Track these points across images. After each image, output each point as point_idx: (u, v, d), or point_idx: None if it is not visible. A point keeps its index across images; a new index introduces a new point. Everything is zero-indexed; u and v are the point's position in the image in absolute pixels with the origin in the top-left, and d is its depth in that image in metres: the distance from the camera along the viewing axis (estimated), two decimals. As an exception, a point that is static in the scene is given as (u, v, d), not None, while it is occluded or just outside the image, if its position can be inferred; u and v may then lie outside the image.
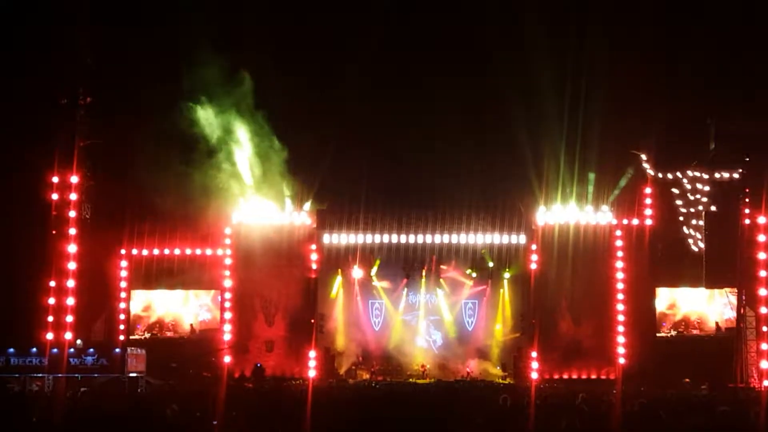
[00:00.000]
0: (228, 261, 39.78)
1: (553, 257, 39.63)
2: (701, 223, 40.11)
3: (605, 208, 39.80)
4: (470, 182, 40.16)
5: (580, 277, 39.43)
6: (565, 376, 38.92)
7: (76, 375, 35.03)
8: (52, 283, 37.90)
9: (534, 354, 38.65)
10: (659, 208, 40.29)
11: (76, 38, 37.51)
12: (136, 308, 41.65)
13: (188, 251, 40.92)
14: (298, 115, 38.67)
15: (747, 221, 38.08)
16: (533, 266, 39.88)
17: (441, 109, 40.62)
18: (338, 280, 41.96)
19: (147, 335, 41.53)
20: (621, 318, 38.89)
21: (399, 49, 40.47)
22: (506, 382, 39.27)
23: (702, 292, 41.23)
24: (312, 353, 38.82)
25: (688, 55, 39.86)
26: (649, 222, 40.01)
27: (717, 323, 41.26)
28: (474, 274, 41.89)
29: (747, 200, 38.30)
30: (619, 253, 39.47)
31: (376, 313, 42.57)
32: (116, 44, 38.11)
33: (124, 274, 41.08)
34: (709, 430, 17.27)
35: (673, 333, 41.36)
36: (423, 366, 41.20)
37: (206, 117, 38.97)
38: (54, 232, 38.21)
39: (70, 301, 37.98)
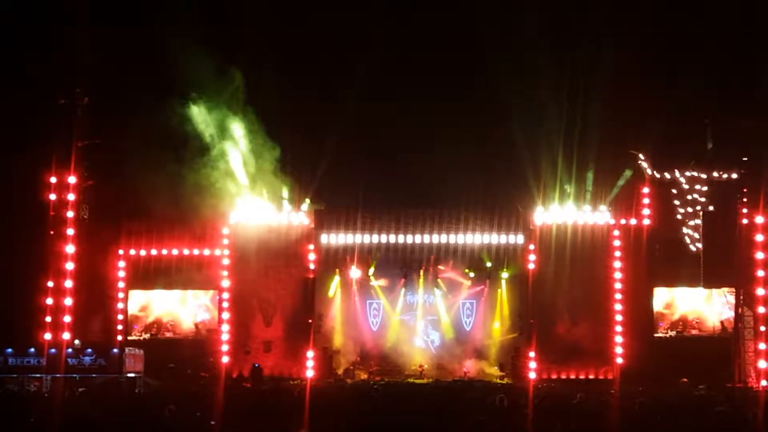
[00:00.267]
0: (226, 261, 39.75)
1: (550, 257, 39.63)
2: (699, 222, 40.11)
3: (603, 208, 39.81)
4: (468, 182, 40.16)
5: (578, 277, 39.42)
6: (563, 376, 38.92)
7: (74, 375, 35.04)
8: (50, 284, 37.89)
9: (532, 354, 38.65)
10: (657, 208, 40.30)
11: (75, 38, 37.47)
12: (133, 308, 41.61)
13: (186, 251, 40.89)
14: (296, 116, 38.64)
15: (745, 221, 38.10)
16: (531, 266, 39.87)
17: (439, 109, 40.63)
18: (336, 280, 41.97)
19: (147, 336, 41.45)
20: (619, 318, 38.89)
21: (397, 48, 40.46)
22: (504, 382, 39.28)
23: (700, 291, 41.22)
24: (310, 353, 38.80)
25: (686, 55, 39.89)
26: (646, 222, 40.02)
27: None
28: (472, 274, 41.91)
29: (745, 200, 38.33)
30: (617, 253, 39.47)
31: (374, 313, 42.57)
32: (114, 44, 38.08)
33: (121, 274, 41.04)
34: (707, 430, 17.29)
35: (672, 334, 41.35)
36: (421, 366, 41.21)
37: (202, 117, 38.94)
38: (52, 232, 38.19)
39: (68, 301, 37.97)
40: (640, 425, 18.27)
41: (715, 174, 40.36)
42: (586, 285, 39.38)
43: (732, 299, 39.93)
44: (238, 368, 38.80)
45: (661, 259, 40.52)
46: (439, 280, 42.24)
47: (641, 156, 40.40)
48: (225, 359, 38.86)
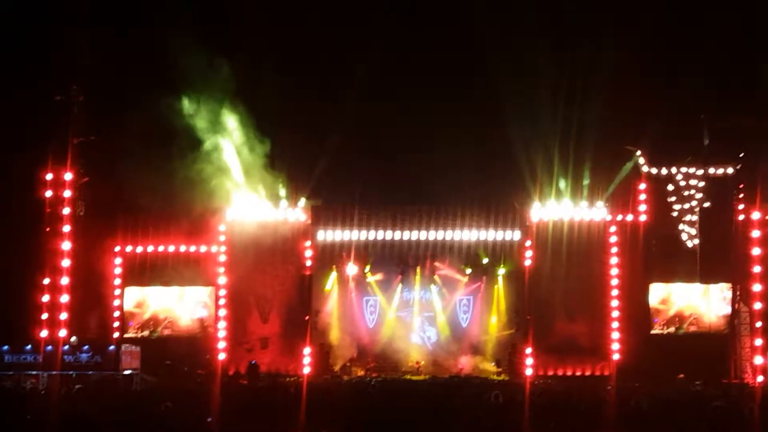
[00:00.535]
0: (222, 258, 39.74)
1: (547, 253, 39.64)
2: (695, 219, 40.15)
3: (600, 204, 39.82)
4: (465, 178, 40.16)
5: (575, 274, 39.44)
6: (560, 373, 38.96)
7: (71, 372, 35.03)
8: (46, 280, 37.85)
9: (528, 350, 38.69)
10: (653, 204, 40.30)
11: (70, 36, 37.42)
12: (128, 305, 41.56)
13: (182, 248, 40.87)
14: (293, 113, 38.62)
15: (741, 217, 38.13)
16: (528, 262, 39.88)
17: (436, 106, 40.60)
18: (333, 276, 41.98)
19: (147, 333, 41.40)
20: (615, 314, 38.92)
21: (394, 46, 40.42)
22: (501, 379, 39.32)
23: (696, 287, 41.25)
24: (307, 350, 38.80)
25: (683, 51, 39.89)
26: (643, 218, 40.03)
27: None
28: (468, 271, 41.93)
29: (741, 196, 38.37)
30: (614, 249, 39.50)
31: (370, 309, 42.58)
32: (110, 42, 38.03)
33: (118, 271, 41.01)
34: (704, 426, 17.30)
35: (672, 330, 41.35)
36: (418, 362, 41.23)
37: (198, 114, 38.91)
38: (48, 229, 38.16)
39: (65, 298, 37.92)
40: (636, 421, 18.28)
41: (712, 170, 40.33)
42: (582, 281, 39.40)
43: (729, 295, 39.96)
44: (235, 365, 38.78)
45: (657, 255, 40.53)
46: (435, 276, 42.26)
47: (638, 152, 40.40)
48: (222, 356, 38.84)
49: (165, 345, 40.43)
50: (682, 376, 36.52)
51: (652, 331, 40.85)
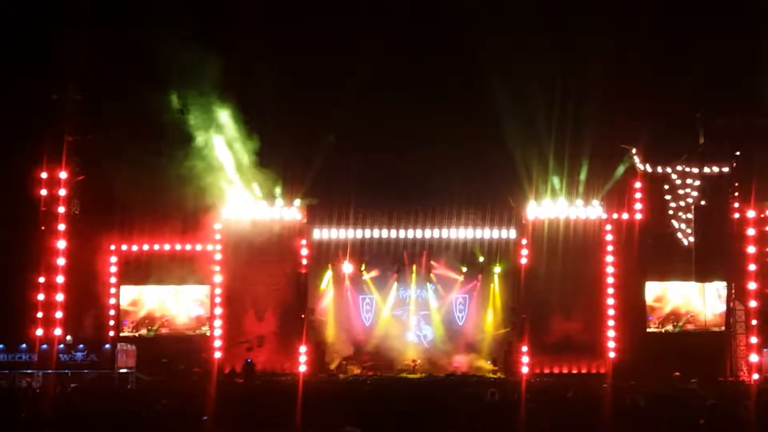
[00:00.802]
0: (218, 256, 39.70)
1: (543, 252, 39.64)
2: (691, 217, 40.17)
3: (596, 202, 39.83)
4: (461, 177, 40.16)
5: (570, 272, 39.45)
6: (556, 371, 38.98)
7: (66, 371, 34.97)
8: (41, 279, 37.83)
9: (524, 348, 38.70)
10: (649, 203, 40.34)
11: (67, 35, 37.37)
12: (124, 304, 41.52)
13: (178, 247, 40.84)
14: (289, 112, 38.61)
15: (736, 215, 38.16)
16: (523, 261, 39.90)
17: (432, 104, 40.59)
18: (328, 275, 41.96)
19: (142, 332, 41.35)
20: (611, 312, 38.95)
21: (391, 46, 40.39)
22: (497, 377, 39.33)
23: (691, 285, 41.30)
24: (302, 348, 38.78)
25: (678, 50, 39.93)
26: (639, 216, 40.06)
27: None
28: (464, 269, 41.94)
29: (736, 194, 38.39)
30: (609, 248, 39.52)
31: (366, 308, 42.56)
32: (106, 41, 37.99)
33: (113, 269, 40.98)
34: (699, 424, 17.31)
35: (669, 328, 41.38)
36: (414, 361, 41.19)
37: (193, 113, 38.88)
38: (43, 227, 38.13)
39: (60, 297, 37.91)
40: (631, 419, 18.28)
41: (707, 169, 40.38)
42: (578, 279, 39.41)
43: (724, 293, 39.99)
44: (231, 364, 38.75)
45: (653, 253, 40.56)
46: (431, 275, 42.25)
47: (633, 150, 40.42)
48: (217, 355, 38.81)
49: (161, 344, 40.40)
50: (677, 374, 36.53)
51: (648, 329, 40.89)
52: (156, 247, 40.84)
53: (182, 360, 39.28)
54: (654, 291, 41.53)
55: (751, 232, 37.56)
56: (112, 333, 40.22)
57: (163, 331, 41.59)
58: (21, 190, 38.26)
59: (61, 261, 38.09)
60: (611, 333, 38.78)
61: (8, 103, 37.42)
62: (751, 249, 37.45)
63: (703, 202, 40.09)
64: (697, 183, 40.46)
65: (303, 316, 39.82)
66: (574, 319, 39.30)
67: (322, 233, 40.59)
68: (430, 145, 39.67)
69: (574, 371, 38.93)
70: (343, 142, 39.71)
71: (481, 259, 41.44)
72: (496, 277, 42.00)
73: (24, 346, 35.59)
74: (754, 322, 37.30)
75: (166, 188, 37.30)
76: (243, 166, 39.62)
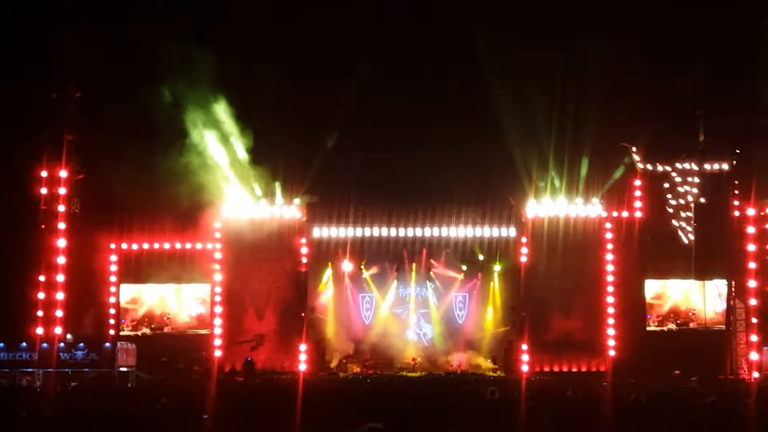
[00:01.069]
0: (218, 255, 39.71)
1: (543, 250, 39.66)
2: (691, 215, 40.18)
3: (595, 200, 39.84)
4: (461, 175, 40.17)
5: (570, 270, 39.47)
6: (556, 369, 38.99)
7: (66, 370, 34.97)
8: (42, 278, 37.84)
9: (524, 347, 38.71)
10: (649, 201, 40.35)
11: (67, 34, 37.37)
12: (124, 302, 41.55)
13: (178, 245, 40.85)
14: (289, 111, 38.61)
15: (736, 213, 38.16)
16: (523, 259, 39.91)
17: (431, 103, 40.60)
18: (328, 273, 41.96)
19: (142, 330, 41.36)
20: (611, 310, 38.96)
21: (389, 45, 40.40)
22: (497, 375, 39.33)
23: (691, 283, 41.32)
24: (302, 347, 38.79)
25: (678, 48, 39.92)
26: (638, 214, 40.07)
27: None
28: (464, 267, 41.94)
29: (736, 192, 38.39)
30: (609, 246, 39.54)
31: (366, 306, 42.56)
32: (106, 39, 38.01)
33: (113, 268, 41.00)
34: (699, 422, 17.30)
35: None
36: (414, 359, 41.21)
37: (192, 112, 38.88)
38: (43, 226, 38.13)
39: (60, 295, 37.92)
40: (631, 417, 18.29)
41: (707, 167, 40.38)
42: (578, 278, 39.43)
43: (724, 291, 40.01)
44: (231, 362, 38.77)
45: (653, 251, 40.58)
46: (431, 273, 42.25)
47: (633, 148, 40.43)
48: (217, 353, 38.83)
49: (161, 342, 40.43)
50: (677, 372, 36.55)
51: (649, 329, 40.91)
52: (156, 245, 40.85)
53: (182, 359, 39.32)
54: (653, 288, 41.56)
55: (751, 229, 37.57)
56: (112, 332, 40.24)
57: (164, 329, 41.60)
58: (21, 189, 38.28)
59: (61, 259, 38.10)
60: (611, 331, 38.80)
61: (8, 101, 37.42)
62: (751, 247, 37.46)
63: (702, 200, 40.10)
64: (697, 181, 40.47)
65: (303, 314, 39.84)
66: (573, 318, 39.31)
67: (322, 232, 40.60)
68: (430, 143, 39.69)
69: (574, 369, 38.95)
70: (342, 141, 39.74)
71: (481, 257, 41.44)
72: (495, 276, 42.01)
73: (24, 344, 35.59)
74: (754, 320, 37.32)
75: (166, 187, 37.30)
76: (243, 165, 39.63)
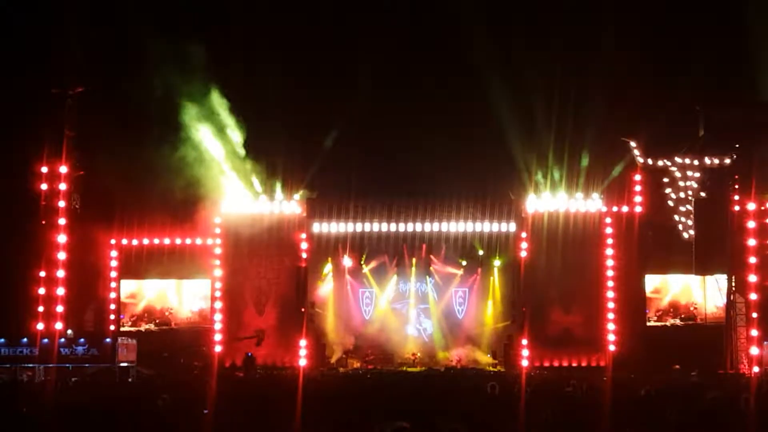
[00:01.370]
0: (218, 250, 39.72)
1: (543, 245, 39.67)
2: (691, 209, 40.15)
3: (595, 195, 39.83)
4: (460, 170, 40.17)
5: (570, 265, 39.48)
6: (556, 364, 39.01)
7: (67, 365, 35.02)
8: (42, 273, 37.86)
9: (524, 342, 38.73)
10: (649, 195, 40.33)
11: (68, 29, 37.36)
12: (124, 298, 41.57)
13: (178, 241, 40.86)
14: (289, 106, 38.62)
15: (737, 207, 38.15)
16: (523, 254, 39.90)
17: (431, 98, 40.60)
18: (328, 268, 41.96)
19: (142, 326, 41.38)
20: (611, 305, 38.97)
21: (388, 42, 40.38)
22: (497, 370, 39.37)
23: (690, 278, 41.34)
24: (303, 342, 38.81)
25: (679, 43, 39.91)
26: (638, 209, 40.06)
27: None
28: (464, 262, 41.93)
29: (736, 186, 38.37)
30: (609, 241, 39.54)
31: (366, 301, 42.55)
32: (107, 36, 38.02)
33: (114, 263, 41.01)
34: (699, 417, 17.31)
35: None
36: (414, 354, 41.24)
37: (192, 107, 38.88)
38: (43, 222, 38.15)
39: (61, 291, 37.94)
40: (631, 412, 18.29)
41: (707, 161, 40.35)
42: (578, 273, 39.45)
43: (724, 286, 40.02)
44: (231, 357, 38.80)
45: (653, 246, 40.57)
46: (431, 268, 42.24)
47: (633, 143, 40.41)
48: (218, 348, 38.85)
49: (161, 337, 40.46)
50: (677, 366, 36.58)
51: (649, 324, 40.93)
52: (156, 241, 40.86)
53: (183, 354, 39.35)
54: (652, 283, 41.60)
55: (751, 224, 37.56)
56: (112, 327, 40.27)
57: (164, 325, 41.63)
58: (21, 185, 38.28)
59: (61, 255, 38.12)
60: (611, 326, 38.81)
61: (8, 97, 37.42)
62: (752, 241, 37.44)
63: (703, 195, 40.05)
64: (697, 176, 40.41)
65: (303, 309, 39.86)
66: (573, 313, 39.33)
67: (322, 227, 40.58)
68: (431, 138, 39.66)
69: (574, 364, 38.98)
70: (342, 136, 39.73)
71: (481, 252, 41.42)
72: (495, 271, 41.99)
73: (25, 340, 35.64)
74: (754, 314, 37.30)
75: (165, 183, 37.33)
76: (243, 160, 39.63)
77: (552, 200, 39.80)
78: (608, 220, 39.72)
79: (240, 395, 23.19)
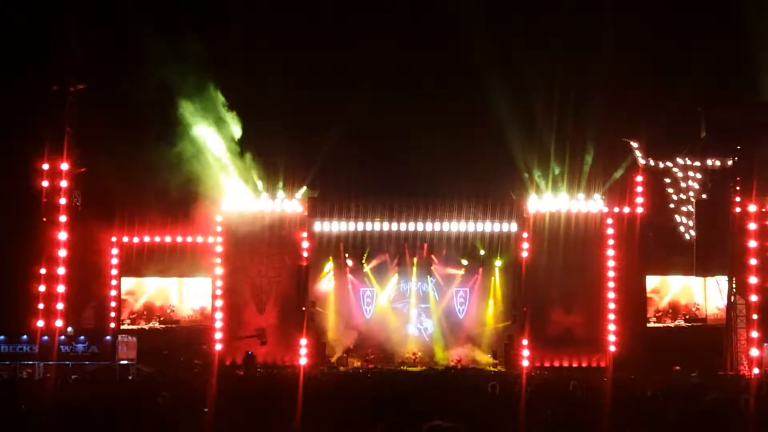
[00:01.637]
0: (219, 248, 39.72)
1: (544, 245, 39.65)
2: (692, 210, 40.15)
3: (597, 196, 39.82)
4: (462, 170, 40.17)
5: (571, 266, 39.46)
6: (556, 364, 39.00)
7: (67, 362, 35.02)
8: (43, 271, 37.85)
9: (525, 342, 38.71)
10: (650, 196, 40.32)
11: (69, 26, 37.36)
12: (125, 295, 41.57)
13: (179, 239, 40.85)
14: (290, 106, 38.63)
15: (738, 209, 38.14)
16: (524, 254, 39.89)
17: (432, 97, 40.60)
18: (329, 267, 41.95)
19: (143, 324, 41.39)
20: (611, 306, 38.96)
21: (388, 42, 40.37)
22: (497, 370, 39.37)
23: (691, 279, 41.33)
24: (303, 341, 38.81)
25: (680, 44, 39.90)
26: (640, 210, 40.04)
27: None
28: (465, 262, 41.92)
29: (738, 188, 38.36)
30: (610, 242, 39.52)
31: (367, 300, 42.55)
32: (108, 33, 38.02)
33: (114, 261, 41.01)
34: (699, 418, 17.31)
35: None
36: (414, 354, 41.24)
37: (194, 105, 38.88)
38: (44, 219, 38.15)
39: (61, 288, 37.93)
40: (632, 413, 18.29)
41: (709, 162, 40.35)
42: (579, 273, 39.43)
43: (725, 287, 40.00)
44: (232, 356, 38.79)
45: (654, 247, 40.56)
46: (432, 268, 42.24)
47: (635, 144, 40.40)
48: (218, 346, 38.85)
49: (162, 335, 40.46)
50: (677, 368, 36.57)
51: (650, 325, 40.93)
52: (157, 239, 40.85)
53: (183, 352, 39.35)
54: (651, 283, 41.60)
55: (752, 226, 37.55)
56: (113, 324, 40.26)
57: (165, 323, 41.63)
58: (22, 182, 38.28)
59: (62, 252, 38.11)
60: (612, 327, 38.80)
61: (9, 94, 37.43)
62: (752, 243, 37.43)
63: (704, 196, 40.04)
64: (699, 177, 40.41)
65: (304, 308, 39.85)
66: (574, 313, 39.32)
67: (323, 226, 40.58)
68: (432, 138, 39.66)
69: (575, 365, 38.97)
70: (344, 136, 39.73)
71: (482, 252, 41.42)
72: (496, 271, 41.99)
73: (25, 337, 35.66)
74: (754, 316, 37.30)
75: (167, 180, 37.34)
76: (244, 159, 39.64)
77: (553, 201, 39.79)
78: (609, 220, 39.71)
79: (240, 394, 23.20)
